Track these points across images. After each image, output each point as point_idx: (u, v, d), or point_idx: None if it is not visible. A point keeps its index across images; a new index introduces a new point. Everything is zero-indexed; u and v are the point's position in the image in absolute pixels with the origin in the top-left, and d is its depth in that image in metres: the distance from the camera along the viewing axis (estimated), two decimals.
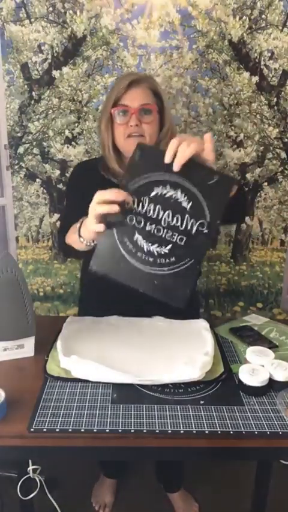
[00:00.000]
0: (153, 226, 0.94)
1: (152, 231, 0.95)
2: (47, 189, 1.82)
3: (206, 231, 0.93)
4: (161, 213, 0.94)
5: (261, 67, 1.68)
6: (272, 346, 1.21)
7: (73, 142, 1.76)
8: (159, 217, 0.94)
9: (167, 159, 0.91)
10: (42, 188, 1.82)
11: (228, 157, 1.79)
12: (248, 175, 1.82)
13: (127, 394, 1.02)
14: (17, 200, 1.82)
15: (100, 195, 0.94)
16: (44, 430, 0.91)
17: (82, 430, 0.91)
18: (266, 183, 1.84)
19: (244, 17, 1.61)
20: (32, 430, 0.91)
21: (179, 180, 0.93)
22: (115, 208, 0.92)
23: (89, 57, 1.65)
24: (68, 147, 1.76)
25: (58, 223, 1.85)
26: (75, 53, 1.65)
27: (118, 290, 1.29)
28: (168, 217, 0.94)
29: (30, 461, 1.27)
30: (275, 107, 1.73)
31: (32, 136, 1.75)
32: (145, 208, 0.94)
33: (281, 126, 1.75)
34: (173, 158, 0.91)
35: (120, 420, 0.94)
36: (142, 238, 0.95)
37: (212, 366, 1.09)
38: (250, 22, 1.62)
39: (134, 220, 0.95)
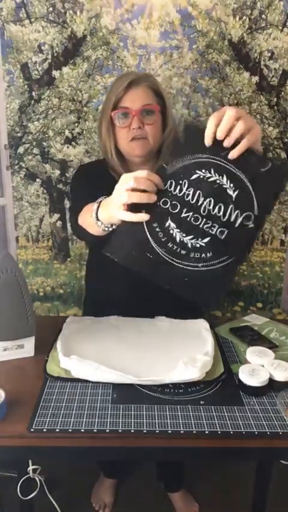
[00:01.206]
0: (191, 213, 0.80)
1: (189, 219, 0.80)
2: (47, 189, 1.82)
3: (251, 225, 0.80)
4: (201, 199, 0.80)
5: (261, 67, 1.68)
6: (272, 346, 1.21)
7: (73, 143, 1.76)
8: (199, 204, 0.80)
9: (220, 135, 0.77)
10: (42, 188, 1.81)
11: None
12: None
13: (127, 394, 1.02)
14: (17, 200, 1.82)
15: (129, 180, 0.82)
16: (44, 430, 0.91)
17: (82, 430, 0.91)
18: None
19: (244, 17, 1.61)
20: (32, 430, 0.91)
21: (225, 165, 0.79)
22: (152, 197, 0.80)
23: (89, 57, 1.65)
24: (68, 147, 1.76)
25: (59, 223, 1.85)
26: (75, 53, 1.65)
27: (123, 292, 1.29)
28: (209, 205, 0.80)
29: (30, 461, 1.28)
30: (275, 107, 1.72)
31: (32, 136, 1.75)
32: (183, 191, 0.80)
33: (281, 126, 1.75)
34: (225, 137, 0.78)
35: (120, 420, 0.94)
36: (175, 227, 0.80)
37: (212, 366, 1.09)
38: (250, 22, 1.62)
39: (169, 204, 0.81)
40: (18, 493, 1.34)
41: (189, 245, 0.81)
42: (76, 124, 1.73)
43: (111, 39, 1.63)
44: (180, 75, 1.68)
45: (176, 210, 0.81)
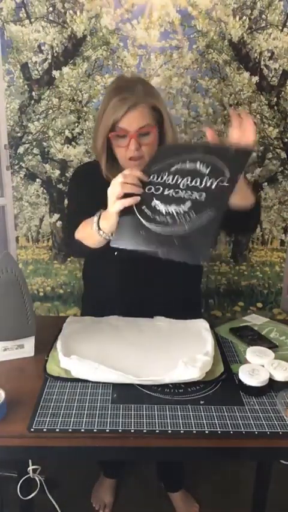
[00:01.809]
0: (172, 190, 0.94)
1: (171, 195, 0.93)
2: (47, 189, 1.82)
3: (226, 184, 0.91)
4: (180, 179, 0.94)
5: (261, 67, 1.68)
6: (272, 346, 1.21)
7: (73, 143, 1.76)
8: (178, 183, 0.94)
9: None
10: (42, 188, 1.81)
11: None
12: (248, 175, 1.82)
13: (127, 394, 1.02)
14: (17, 200, 1.82)
15: (118, 178, 0.98)
16: (44, 430, 0.91)
17: (82, 430, 0.91)
18: (266, 183, 1.84)
19: (244, 17, 1.61)
20: (32, 430, 0.91)
21: (198, 156, 0.95)
22: (138, 188, 0.96)
23: (89, 57, 1.65)
24: (68, 147, 1.76)
25: (59, 223, 1.85)
26: (75, 53, 1.65)
27: (122, 289, 1.29)
28: (187, 181, 0.93)
29: (30, 461, 1.27)
30: (275, 107, 1.73)
31: (32, 136, 1.75)
32: (163, 179, 0.96)
33: (281, 126, 1.75)
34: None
35: (120, 420, 0.94)
36: (160, 203, 0.94)
37: (212, 366, 1.09)
38: (250, 22, 1.62)
39: (152, 189, 0.96)
40: (18, 493, 1.34)
41: (174, 212, 0.92)
42: (76, 124, 1.73)
43: (111, 39, 1.63)
44: (180, 75, 1.68)
45: (159, 192, 0.95)
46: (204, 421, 0.94)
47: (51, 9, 1.60)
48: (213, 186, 0.92)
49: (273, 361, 1.08)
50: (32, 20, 1.61)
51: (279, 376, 1.04)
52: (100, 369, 1.04)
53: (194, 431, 0.92)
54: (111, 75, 1.67)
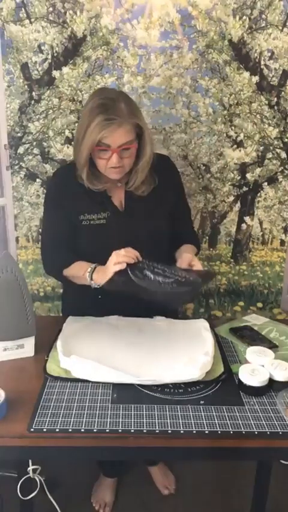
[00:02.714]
0: (160, 270, 1.16)
1: (159, 271, 1.16)
2: None
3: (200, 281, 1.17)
4: (166, 270, 1.18)
5: (261, 67, 1.68)
6: (272, 346, 1.21)
7: (73, 143, 1.75)
8: (165, 270, 1.17)
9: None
10: (42, 188, 1.81)
11: (228, 157, 1.79)
12: (248, 175, 1.82)
13: (127, 394, 1.02)
14: (17, 200, 1.82)
15: (117, 257, 1.15)
16: (44, 430, 0.91)
17: (82, 430, 0.91)
18: (266, 183, 1.84)
19: (244, 17, 1.61)
20: (32, 430, 0.91)
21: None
22: (131, 260, 1.16)
23: (89, 57, 1.65)
24: (68, 147, 1.76)
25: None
26: (75, 53, 1.65)
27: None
28: (172, 271, 1.17)
29: (30, 461, 1.27)
30: (275, 107, 1.72)
31: (32, 136, 1.75)
32: (154, 265, 1.18)
33: (281, 126, 1.75)
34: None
35: (120, 420, 0.94)
36: (150, 273, 1.15)
37: (212, 365, 1.09)
38: (250, 22, 1.62)
39: (145, 265, 1.18)
40: (18, 493, 1.34)
41: (160, 281, 1.14)
42: (76, 124, 1.73)
43: (111, 39, 1.63)
44: (180, 75, 1.68)
45: (150, 267, 1.17)
46: (204, 421, 0.94)
47: (51, 9, 1.60)
48: (191, 279, 1.16)
49: (273, 361, 1.08)
50: (32, 20, 1.61)
51: (279, 376, 1.04)
52: (100, 368, 1.04)
53: (194, 431, 0.92)
54: (111, 75, 1.67)
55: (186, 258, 1.22)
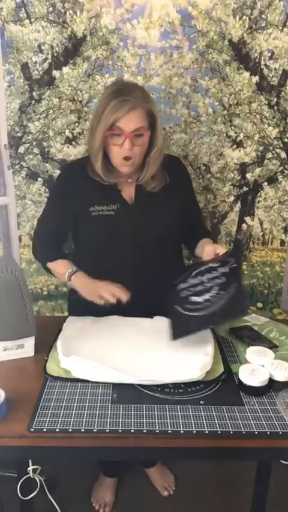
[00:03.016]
0: (200, 286, 1.21)
1: (200, 289, 1.21)
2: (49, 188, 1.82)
3: (235, 265, 1.21)
4: (201, 277, 1.23)
5: (261, 67, 1.68)
6: (272, 346, 1.21)
7: (73, 142, 1.76)
8: (202, 280, 1.23)
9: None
10: (44, 187, 1.81)
11: (228, 157, 1.79)
12: (248, 175, 1.82)
13: (127, 394, 1.02)
14: (20, 199, 1.82)
15: (110, 289, 1.23)
16: (44, 430, 0.91)
17: (82, 430, 0.91)
18: (266, 183, 1.84)
19: (244, 17, 1.61)
20: (32, 430, 0.91)
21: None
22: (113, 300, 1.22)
23: (89, 57, 1.65)
24: (68, 147, 1.76)
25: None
26: (75, 53, 1.65)
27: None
28: (208, 276, 1.22)
29: (30, 461, 1.28)
30: (275, 107, 1.72)
31: (32, 136, 1.75)
32: (190, 282, 1.24)
33: (281, 126, 1.75)
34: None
35: (120, 420, 0.94)
36: (197, 297, 1.20)
37: (212, 365, 1.09)
38: (250, 22, 1.62)
39: (187, 292, 1.23)
40: (18, 493, 1.34)
41: (210, 298, 1.18)
42: (76, 124, 1.73)
43: (111, 39, 1.63)
44: (180, 75, 1.68)
45: (192, 291, 1.22)
46: (204, 421, 0.94)
47: (51, 9, 1.60)
48: (227, 270, 1.20)
49: (273, 361, 1.08)
50: (32, 20, 1.61)
51: (279, 376, 1.04)
52: (100, 368, 1.04)
53: (194, 431, 0.92)
54: (111, 75, 1.66)
55: (210, 249, 1.26)
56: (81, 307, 1.33)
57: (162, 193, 1.38)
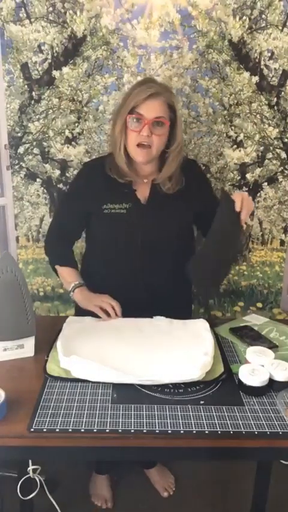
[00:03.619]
0: None
1: None
2: (47, 189, 1.82)
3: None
4: None
5: (261, 67, 1.68)
6: (272, 346, 1.21)
7: (73, 142, 1.76)
8: None
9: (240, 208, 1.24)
10: (42, 188, 1.81)
11: (228, 157, 1.79)
12: (248, 175, 1.82)
13: (127, 394, 1.02)
14: (18, 200, 1.82)
15: (107, 301, 1.32)
16: (44, 430, 0.91)
17: (82, 430, 0.91)
18: (266, 183, 1.84)
19: (244, 17, 1.61)
20: (32, 430, 0.91)
21: None
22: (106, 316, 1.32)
23: (89, 57, 1.65)
24: (68, 147, 1.76)
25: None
26: (75, 53, 1.65)
27: (115, 288, 1.33)
28: None
29: (30, 461, 1.27)
30: (275, 107, 1.72)
31: (32, 136, 1.75)
32: None
33: (281, 126, 1.75)
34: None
35: (120, 420, 0.94)
36: None
37: (212, 365, 1.09)
38: (250, 22, 1.62)
39: None
40: (18, 493, 1.34)
41: None
42: (76, 124, 1.73)
43: (111, 39, 1.63)
44: (180, 75, 1.68)
45: None
46: (204, 421, 0.94)
47: (51, 9, 1.60)
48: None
49: (273, 361, 1.08)
50: (32, 20, 1.61)
51: (279, 376, 1.04)
52: (100, 368, 1.04)
53: (194, 432, 0.92)
54: (111, 75, 1.67)
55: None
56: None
57: (177, 195, 1.37)
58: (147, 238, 1.36)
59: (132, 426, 0.92)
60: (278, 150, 1.78)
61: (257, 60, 1.67)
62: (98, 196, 1.37)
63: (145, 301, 1.37)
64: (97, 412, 0.96)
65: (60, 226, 1.47)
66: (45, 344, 1.19)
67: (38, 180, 1.80)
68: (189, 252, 1.42)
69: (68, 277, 1.41)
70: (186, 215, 1.42)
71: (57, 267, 1.45)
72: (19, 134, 1.74)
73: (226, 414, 0.97)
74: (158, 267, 1.39)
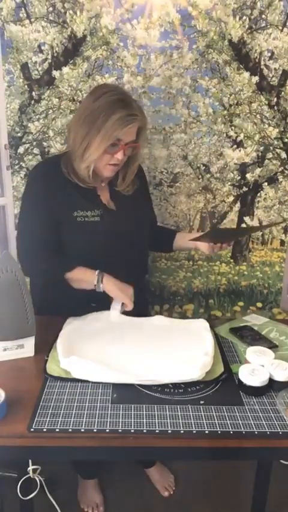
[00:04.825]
0: None
1: None
2: None
3: None
4: None
5: (261, 67, 1.68)
6: (272, 346, 1.21)
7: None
8: None
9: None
10: None
11: (228, 157, 1.79)
12: (248, 175, 1.82)
13: (127, 394, 1.02)
14: (18, 200, 1.82)
15: (128, 295, 1.28)
16: (44, 430, 0.91)
17: (82, 430, 0.91)
18: (266, 183, 1.84)
19: (244, 17, 1.61)
20: (32, 430, 0.91)
21: None
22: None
23: (89, 57, 1.65)
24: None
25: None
26: (75, 53, 1.65)
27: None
28: None
29: (30, 461, 1.27)
30: (275, 107, 1.73)
31: (32, 136, 1.75)
32: None
33: (281, 126, 1.75)
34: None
35: (120, 420, 0.94)
36: None
37: (212, 366, 1.09)
38: (250, 22, 1.62)
39: None
40: (18, 493, 1.34)
41: None
42: None
43: (111, 39, 1.63)
44: (180, 75, 1.68)
45: None
46: (204, 421, 0.94)
47: (51, 9, 1.60)
48: None
49: (273, 361, 1.08)
50: (32, 20, 1.61)
51: (279, 376, 1.04)
52: (100, 369, 1.04)
53: (194, 431, 0.92)
54: (111, 75, 1.67)
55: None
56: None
57: (135, 195, 1.42)
58: (122, 239, 1.35)
59: (132, 426, 0.92)
60: (278, 150, 1.78)
61: (257, 60, 1.67)
62: (65, 201, 1.31)
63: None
64: (97, 412, 0.96)
65: (43, 241, 1.32)
66: (45, 344, 1.19)
67: None
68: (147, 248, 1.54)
69: (86, 274, 1.27)
70: (147, 211, 1.50)
71: (68, 275, 1.28)
72: (19, 134, 1.74)
73: (226, 414, 0.97)
74: (135, 268, 1.44)
